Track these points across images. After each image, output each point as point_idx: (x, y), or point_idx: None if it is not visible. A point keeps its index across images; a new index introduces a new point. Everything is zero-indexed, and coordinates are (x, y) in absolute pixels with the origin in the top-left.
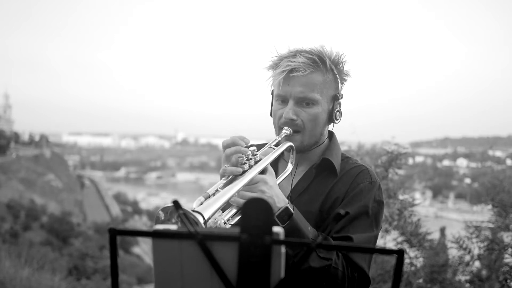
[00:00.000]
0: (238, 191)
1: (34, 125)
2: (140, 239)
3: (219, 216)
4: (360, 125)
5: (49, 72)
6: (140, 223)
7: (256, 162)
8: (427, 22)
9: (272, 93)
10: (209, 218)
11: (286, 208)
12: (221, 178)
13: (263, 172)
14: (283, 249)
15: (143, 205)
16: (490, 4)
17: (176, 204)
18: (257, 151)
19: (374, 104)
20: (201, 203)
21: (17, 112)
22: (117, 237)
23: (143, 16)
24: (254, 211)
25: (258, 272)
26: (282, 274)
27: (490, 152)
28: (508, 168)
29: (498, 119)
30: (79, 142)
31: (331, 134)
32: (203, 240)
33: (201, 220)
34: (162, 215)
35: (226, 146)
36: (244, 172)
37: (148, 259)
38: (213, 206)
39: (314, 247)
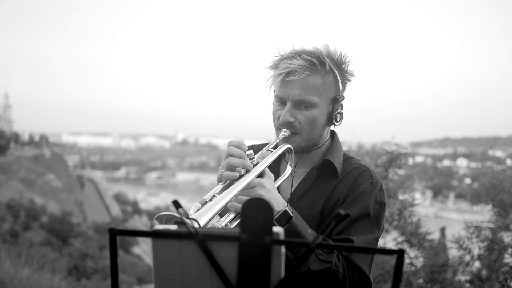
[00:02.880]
0: (235, 196)
1: (34, 125)
2: (140, 239)
3: (217, 221)
4: (360, 125)
5: (49, 72)
6: (140, 223)
7: (253, 166)
8: (427, 21)
9: (274, 92)
10: (205, 225)
11: (285, 211)
12: (218, 183)
13: (260, 175)
14: (283, 249)
15: (143, 205)
16: (490, 3)
17: (175, 203)
18: (254, 155)
19: (374, 104)
20: (198, 210)
21: (17, 112)
22: (117, 237)
23: (144, 16)
24: (254, 211)
25: (258, 272)
26: (282, 274)
27: (490, 152)
28: (508, 168)
29: (498, 119)
30: (79, 142)
31: (333, 134)
32: (203, 240)
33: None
34: (156, 224)
35: (232, 146)
36: (241, 176)
37: (148, 259)
38: (209, 212)
39: (314, 248)
